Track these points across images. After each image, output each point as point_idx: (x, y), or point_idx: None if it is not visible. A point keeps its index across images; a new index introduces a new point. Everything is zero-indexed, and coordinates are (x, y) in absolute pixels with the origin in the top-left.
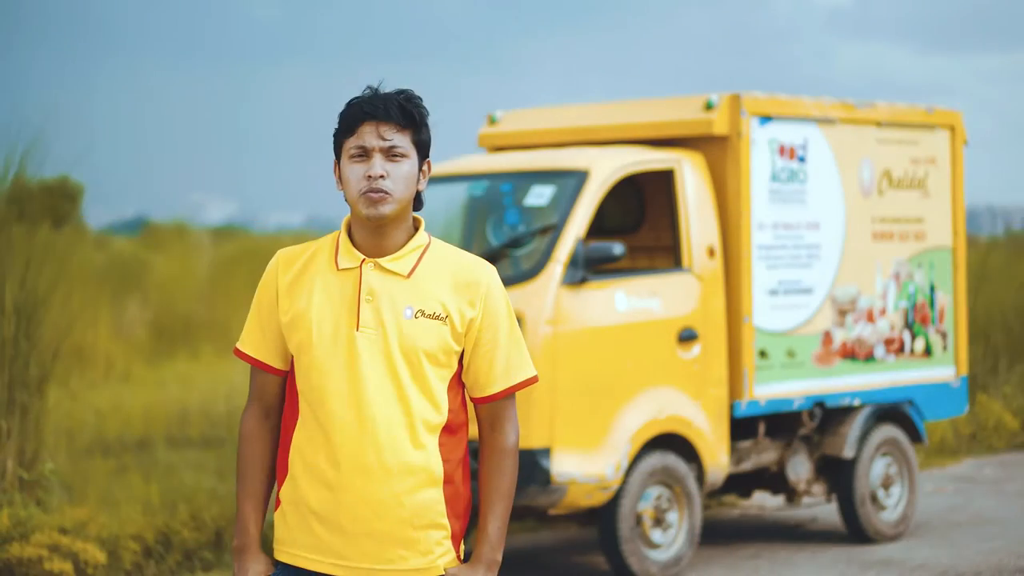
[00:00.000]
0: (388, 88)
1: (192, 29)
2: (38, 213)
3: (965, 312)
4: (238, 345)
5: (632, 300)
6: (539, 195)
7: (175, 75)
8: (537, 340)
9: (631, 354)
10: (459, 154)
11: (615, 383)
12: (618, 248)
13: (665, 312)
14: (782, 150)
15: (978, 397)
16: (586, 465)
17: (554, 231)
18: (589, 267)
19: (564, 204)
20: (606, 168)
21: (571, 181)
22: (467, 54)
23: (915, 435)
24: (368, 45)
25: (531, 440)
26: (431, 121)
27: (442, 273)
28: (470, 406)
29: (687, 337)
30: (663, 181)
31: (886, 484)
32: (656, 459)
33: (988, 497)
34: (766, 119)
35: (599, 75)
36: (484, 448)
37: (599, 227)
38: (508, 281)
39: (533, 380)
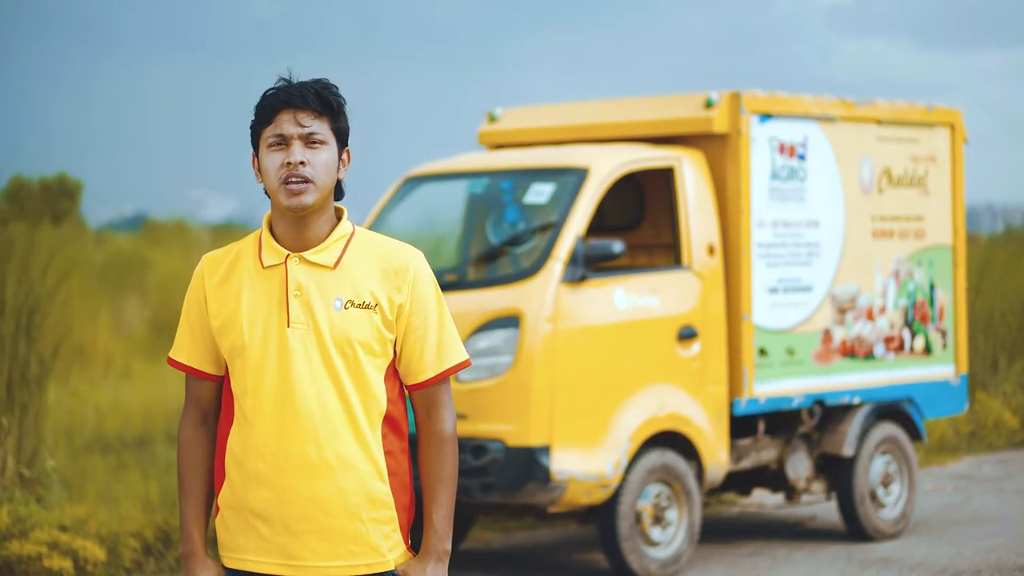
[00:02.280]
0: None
1: (193, 26)
2: (37, 210)
3: (965, 310)
4: (171, 354)
5: (632, 298)
6: (539, 193)
7: (175, 72)
8: (537, 338)
9: (631, 352)
10: (459, 151)
11: (615, 381)
12: (618, 246)
13: (665, 310)
14: (782, 148)
15: (978, 395)
16: (586, 463)
17: (554, 229)
18: (589, 265)
19: (564, 202)
20: (606, 166)
21: (571, 179)
22: (468, 51)
23: (915, 433)
24: (369, 42)
25: (530, 438)
26: (348, 110)
27: (368, 261)
28: None
29: (687, 335)
30: (663, 179)
31: (885, 482)
32: (656, 457)
33: (987, 495)
34: (766, 117)
35: (599, 72)
36: (422, 436)
37: (599, 225)
38: (508, 279)
39: (466, 364)
